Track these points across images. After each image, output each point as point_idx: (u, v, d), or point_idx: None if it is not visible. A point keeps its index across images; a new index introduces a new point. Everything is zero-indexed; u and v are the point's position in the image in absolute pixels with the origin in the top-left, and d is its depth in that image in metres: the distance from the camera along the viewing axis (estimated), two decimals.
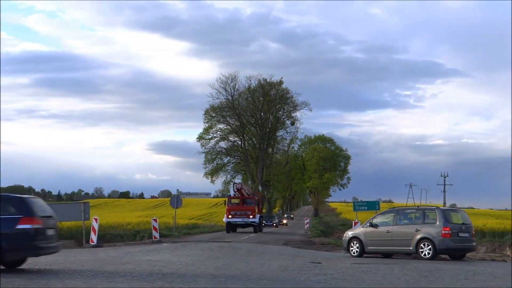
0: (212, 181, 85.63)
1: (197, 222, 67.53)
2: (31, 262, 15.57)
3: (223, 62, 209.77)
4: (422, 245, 19.76)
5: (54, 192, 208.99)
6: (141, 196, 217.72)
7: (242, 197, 47.95)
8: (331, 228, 63.94)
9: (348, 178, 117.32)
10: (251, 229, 46.71)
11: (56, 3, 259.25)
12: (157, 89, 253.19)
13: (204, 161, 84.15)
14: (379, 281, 12.80)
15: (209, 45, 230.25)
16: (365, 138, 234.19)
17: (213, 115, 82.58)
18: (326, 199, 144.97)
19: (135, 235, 38.40)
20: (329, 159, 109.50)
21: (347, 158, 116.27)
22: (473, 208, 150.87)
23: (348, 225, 47.18)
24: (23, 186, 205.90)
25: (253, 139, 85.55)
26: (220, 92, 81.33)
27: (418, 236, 19.87)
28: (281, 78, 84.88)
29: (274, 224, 68.49)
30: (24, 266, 14.50)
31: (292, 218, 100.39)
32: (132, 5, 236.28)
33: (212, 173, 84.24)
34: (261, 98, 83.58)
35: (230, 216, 45.36)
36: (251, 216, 45.07)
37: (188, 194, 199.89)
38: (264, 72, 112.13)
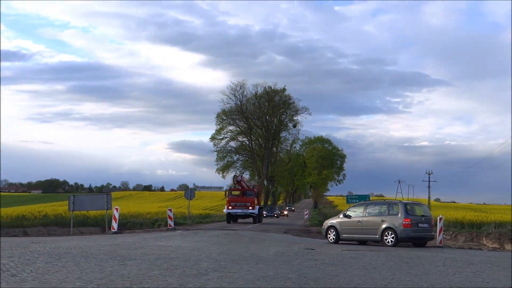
0: (223, 176, 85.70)
1: (209, 213, 67.24)
2: (54, 247, 15.34)
3: (234, 72, 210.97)
4: (386, 233, 20.01)
5: (86, 185, 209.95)
6: (162, 189, 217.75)
7: (242, 189, 44.43)
8: (328, 218, 63.18)
9: (344, 175, 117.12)
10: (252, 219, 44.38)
11: (88, 20, 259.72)
12: (176, 96, 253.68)
13: (216, 158, 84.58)
14: (364, 266, 12.47)
15: (222, 57, 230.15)
16: (359, 139, 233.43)
17: (224, 118, 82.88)
18: (325, 193, 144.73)
19: (153, 223, 38.26)
20: (327, 158, 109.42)
21: (343, 157, 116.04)
22: (455, 202, 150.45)
23: None
24: (58, 179, 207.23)
25: (259, 140, 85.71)
26: (230, 98, 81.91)
27: (383, 226, 20.13)
28: (284, 86, 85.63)
29: (275, 215, 66.68)
30: (46, 249, 14.28)
31: (293, 210, 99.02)
32: (154, 22, 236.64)
33: (223, 169, 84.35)
34: (266, 104, 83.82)
35: (230, 207, 41.96)
36: (250, 208, 41.60)
37: (203, 187, 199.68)
38: (270, 81, 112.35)
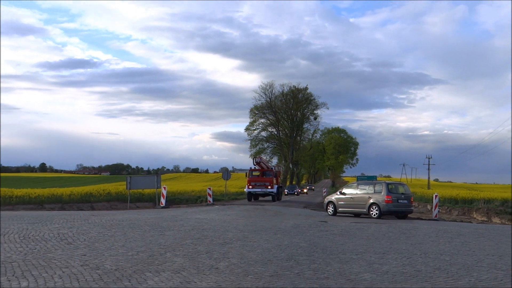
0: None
1: (244, 191, 66.71)
2: (109, 219, 15.29)
3: (266, 75, 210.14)
4: (372, 208, 20.08)
5: (145, 168, 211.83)
6: (206, 171, 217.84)
7: (261, 169, 38.80)
8: None
9: (357, 159, 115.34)
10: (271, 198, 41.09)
11: (146, 33, 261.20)
12: (218, 95, 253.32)
13: (250, 146, 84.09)
14: (367, 237, 12.09)
15: (256, 62, 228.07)
16: (371, 130, 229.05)
17: (256, 112, 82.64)
18: (341, 174, 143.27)
19: (196, 199, 38.07)
20: (343, 145, 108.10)
21: (356, 144, 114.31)
22: (451, 182, 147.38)
23: None
24: (123, 163, 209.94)
25: (286, 130, 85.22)
26: (261, 96, 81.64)
27: (370, 202, 20.21)
28: (306, 85, 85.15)
29: (296, 193, 63.88)
30: (102, 221, 14.20)
31: (313, 189, 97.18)
32: (200, 34, 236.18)
33: (256, 155, 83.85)
34: (291, 100, 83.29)
35: (250, 187, 37.24)
36: (269, 187, 36.79)
37: (240, 170, 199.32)
38: (295, 81, 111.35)
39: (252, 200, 38.25)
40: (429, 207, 29.66)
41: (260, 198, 39.73)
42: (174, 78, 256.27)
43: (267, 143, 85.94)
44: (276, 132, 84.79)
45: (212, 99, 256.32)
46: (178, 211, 21.52)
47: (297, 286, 6.40)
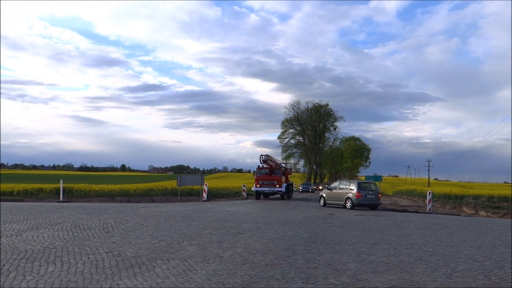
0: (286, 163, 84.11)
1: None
2: (153, 210, 14.80)
3: (297, 95, 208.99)
4: (346, 201, 20.12)
5: (201, 169, 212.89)
6: (249, 171, 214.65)
7: (270, 167, 30.46)
8: None
9: (370, 162, 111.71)
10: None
11: (203, 63, 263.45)
12: (259, 110, 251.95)
13: (282, 151, 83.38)
14: (364, 228, 11.19)
15: (289, 85, 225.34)
16: (382, 138, 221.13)
17: (287, 124, 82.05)
18: (357, 174, 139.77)
19: (235, 194, 37.44)
20: (358, 150, 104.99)
21: (369, 150, 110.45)
22: (448, 181, 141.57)
23: None
24: (183, 165, 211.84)
25: (310, 138, 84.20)
26: (290, 110, 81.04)
27: (346, 196, 20.26)
28: (327, 102, 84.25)
29: (310, 190, 56.76)
30: (147, 212, 13.74)
31: None
32: (245, 63, 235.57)
33: (286, 158, 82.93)
34: (315, 114, 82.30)
35: (258, 185, 29.51)
36: (277, 186, 29.16)
37: None
38: (321, 100, 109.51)
39: (262, 198, 30.71)
40: (426, 202, 28.05)
41: (270, 197, 32.29)
42: (224, 98, 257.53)
43: (295, 149, 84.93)
44: (302, 140, 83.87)
45: (254, 114, 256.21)
46: (214, 204, 20.97)
47: (286, 275, 5.72)
